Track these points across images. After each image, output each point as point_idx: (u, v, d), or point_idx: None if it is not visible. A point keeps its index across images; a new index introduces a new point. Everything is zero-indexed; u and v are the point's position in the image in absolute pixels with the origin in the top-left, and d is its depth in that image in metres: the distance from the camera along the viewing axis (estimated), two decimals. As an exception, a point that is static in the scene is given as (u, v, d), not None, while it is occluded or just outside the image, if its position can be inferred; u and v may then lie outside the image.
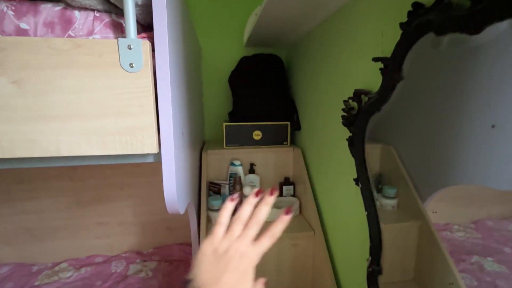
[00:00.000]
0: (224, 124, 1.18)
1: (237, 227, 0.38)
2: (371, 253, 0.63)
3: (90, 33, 0.48)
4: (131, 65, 0.46)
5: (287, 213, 0.40)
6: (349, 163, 0.76)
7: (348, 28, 0.76)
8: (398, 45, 0.52)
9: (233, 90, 1.31)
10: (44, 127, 0.46)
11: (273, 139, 1.21)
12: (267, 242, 0.38)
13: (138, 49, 0.46)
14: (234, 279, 0.34)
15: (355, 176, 0.71)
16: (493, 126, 0.50)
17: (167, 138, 0.50)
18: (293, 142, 1.29)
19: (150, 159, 0.54)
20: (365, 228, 0.70)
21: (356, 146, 0.69)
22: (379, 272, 0.62)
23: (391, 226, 0.66)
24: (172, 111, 0.50)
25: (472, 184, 0.52)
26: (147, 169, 1.42)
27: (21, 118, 0.45)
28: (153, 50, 0.49)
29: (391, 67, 0.54)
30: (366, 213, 0.65)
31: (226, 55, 1.39)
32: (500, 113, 0.48)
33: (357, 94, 0.66)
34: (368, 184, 0.65)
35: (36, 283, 1.24)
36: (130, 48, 0.46)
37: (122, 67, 0.46)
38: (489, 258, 0.53)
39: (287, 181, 1.21)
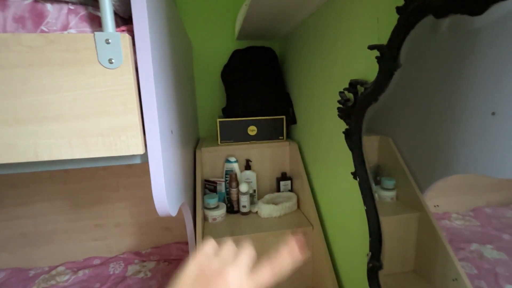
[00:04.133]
0: (218, 120, 1.15)
1: (229, 249, 0.33)
2: (371, 248, 0.62)
3: (65, 27, 0.45)
4: (110, 61, 0.43)
5: (298, 243, 0.33)
6: (346, 156, 0.74)
7: (342, 16, 0.73)
8: (395, 31, 0.49)
9: (226, 85, 1.27)
10: (20, 131, 0.43)
11: (269, 134, 1.19)
12: (266, 277, 0.31)
13: (117, 43, 0.43)
14: None
15: (353, 169, 0.69)
16: (493, 114, 0.48)
17: (153, 137, 0.47)
18: (289, 137, 1.27)
19: (137, 160, 0.51)
20: (364, 222, 0.68)
21: (353, 138, 0.66)
22: (380, 267, 0.61)
23: (391, 218, 0.65)
24: (157, 109, 0.47)
25: (470, 173, 0.51)
26: (141, 169, 1.40)
27: (-7, 122, 0.42)
28: (134, 44, 0.46)
29: (388, 55, 0.51)
30: (365, 208, 0.63)
31: (218, 49, 1.35)
32: (501, 100, 0.47)
33: (353, 85, 0.64)
34: (366, 178, 0.63)
35: (35, 287, 1.22)
36: (108, 43, 0.43)
37: (100, 63, 0.43)
38: (488, 246, 0.53)
39: (284, 176, 1.19)
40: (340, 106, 0.71)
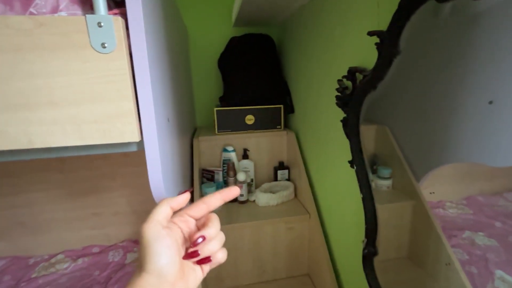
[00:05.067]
0: (215, 109, 1.14)
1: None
2: (366, 235, 0.63)
3: (55, 10, 0.43)
4: (103, 45, 0.42)
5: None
6: (344, 145, 0.74)
7: (342, 1, 0.71)
8: (395, 16, 0.48)
9: (223, 73, 1.25)
10: (11, 117, 0.42)
11: (266, 123, 1.18)
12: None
13: (109, 26, 0.41)
14: None
15: (350, 158, 0.69)
16: (490, 102, 0.48)
17: (149, 125, 0.47)
18: (287, 126, 1.26)
19: (133, 148, 0.50)
20: (360, 210, 0.69)
21: (351, 127, 0.66)
22: (375, 253, 0.62)
23: (386, 206, 0.65)
24: (153, 95, 0.46)
25: (466, 162, 0.51)
26: (138, 158, 1.39)
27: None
28: (127, 28, 0.44)
29: (388, 41, 0.50)
30: (362, 196, 0.63)
31: (214, 36, 1.32)
32: (499, 89, 0.47)
33: (352, 72, 0.63)
34: (363, 166, 0.64)
35: (34, 275, 1.23)
36: (100, 26, 0.41)
37: (93, 47, 0.42)
38: (480, 233, 0.54)
39: (281, 166, 1.19)
40: (338, 94, 0.70)
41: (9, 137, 0.42)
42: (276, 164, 1.21)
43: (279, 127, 1.19)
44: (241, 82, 1.19)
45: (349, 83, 0.66)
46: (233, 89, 1.20)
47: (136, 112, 0.46)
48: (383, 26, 0.52)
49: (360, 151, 0.64)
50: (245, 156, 1.15)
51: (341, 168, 0.79)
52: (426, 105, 0.54)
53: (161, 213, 0.34)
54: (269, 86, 1.19)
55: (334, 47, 0.77)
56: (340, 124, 0.73)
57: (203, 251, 0.33)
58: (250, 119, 1.16)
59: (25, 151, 0.46)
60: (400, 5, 0.46)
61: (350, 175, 0.73)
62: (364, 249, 0.64)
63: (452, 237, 0.55)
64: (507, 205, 0.51)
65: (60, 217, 1.40)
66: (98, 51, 0.42)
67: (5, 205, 1.35)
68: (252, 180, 1.15)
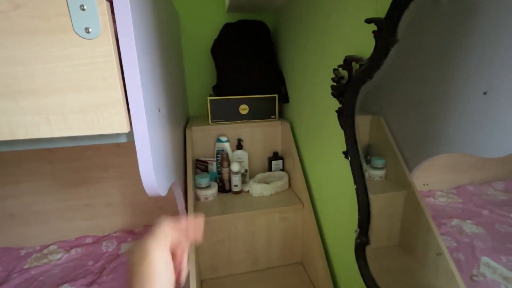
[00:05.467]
0: (209, 98, 1.11)
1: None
2: (359, 225, 0.63)
3: (33, -10, 0.40)
4: (87, 30, 0.39)
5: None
6: (339, 135, 0.73)
7: (339, -13, 0.69)
8: (394, 2, 0.46)
9: (216, 61, 1.22)
10: (-8, 107, 0.40)
11: (261, 113, 1.17)
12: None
13: (93, 10, 0.39)
14: None
15: (344, 148, 0.69)
16: (484, 93, 0.48)
17: (138, 115, 0.45)
18: (282, 116, 1.25)
19: (123, 139, 0.49)
20: (353, 200, 0.69)
21: (346, 118, 0.65)
22: (367, 243, 0.63)
23: (379, 196, 0.66)
24: (142, 84, 0.44)
25: (459, 152, 0.52)
26: (130, 148, 1.36)
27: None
28: (113, 12, 0.41)
29: (386, 29, 0.49)
30: (355, 187, 0.63)
31: (207, 22, 1.28)
32: (493, 79, 0.47)
33: (348, 61, 0.61)
34: (358, 157, 0.63)
35: (26, 266, 1.22)
36: (83, 9, 0.38)
37: (76, 32, 0.39)
38: (468, 221, 0.56)
39: (275, 156, 1.19)
40: (334, 84, 0.69)
41: (-12, 127, 0.40)
42: (271, 154, 1.21)
43: (274, 117, 1.18)
44: (235, 71, 1.16)
45: (345, 73, 0.65)
46: (226, 78, 1.17)
47: (125, 102, 0.44)
48: (381, 13, 0.50)
49: (355, 141, 0.64)
50: (239, 146, 1.14)
51: (335, 159, 0.79)
52: (420, 95, 0.54)
53: (172, 239, 0.33)
54: (264, 75, 1.17)
55: (330, 35, 0.75)
56: (335, 114, 0.72)
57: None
58: (244, 109, 1.14)
59: (7, 142, 0.44)
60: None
61: (344, 165, 0.73)
62: (356, 239, 0.64)
63: (442, 225, 0.57)
64: (495, 194, 0.52)
65: (51, 208, 1.38)
66: (81, 37, 0.39)
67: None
68: (246, 171, 1.15)
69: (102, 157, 1.37)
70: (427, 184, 0.58)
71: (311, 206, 0.95)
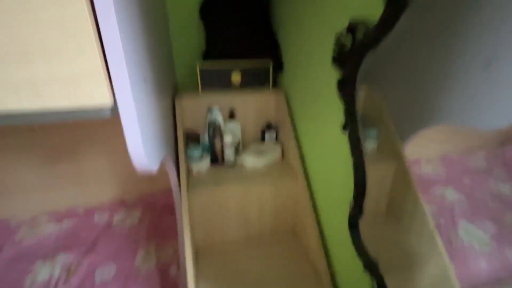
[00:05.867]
0: (198, 66, 1.04)
1: None
2: (354, 198, 0.64)
3: None
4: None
5: None
6: (337, 106, 0.70)
7: None
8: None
9: (205, 25, 1.12)
10: None
11: (254, 81, 1.11)
12: None
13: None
14: None
15: (342, 120, 0.67)
16: (487, 65, 0.46)
17: (122, 85, 0.40)
18: (276, 85, 1.19)
19: (107, 114, 0.44)
20: (347, 173, 0.69)
21: (346, 87, 0.62)
22: (360, 215, 0.64)
23: (370, 167, 0.66)
24: (124, 50, 0.39)
25: (454, 123, 0.52)
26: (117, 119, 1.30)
27: None
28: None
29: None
30: (352, 159, 0.62)
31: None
32: (496, 51, 0.45)
33: (351, 27, 0.56)
34: (356, 129, 0.61)
35: (18, 238, 1.22)
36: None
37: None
38: (450, 188, 0.59)
39: (269, 127, 1.16)
40: (335, 51, 0.64)
41: None
42: (264, 125, 1.18)
43: (267, 86, 1.13)
44: (226, 35, 1.08)
45: (348, 40, 0.60)
46: (217, 44, 1.09)
47: (106, 71, 0.39)
48: (394, -30, 0.44)
49: (354, 113, 0.61)
50: (231, 117, 1.10)
51: (331, 130, 0.77)
52: (419, 65, 0.52)
53: None
54: (257, 40, 1.09)
55: (332, -4, 0.68)
56: (333, 84, 0.69)
57: None
58: (236, 77, 1.08)
59: (-28, 117, 0.39)
60: None
61: (341, 137, 0.71)
62: (350, 212, 0.65)
63: (425, 192, 0.59)
64: (477, 163, 0.56)
65: (38, 180, 1.34)
66: (46, -10, 0.33)
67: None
68: (239, 142, 1.12)
69: (86, 129, 1.30)
70: (420, 161, 0.58)
71: (304, 178, 0.96)
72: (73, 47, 0.36)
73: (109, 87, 0.40)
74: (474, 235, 0.55)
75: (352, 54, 0.57)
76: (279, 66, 1.12)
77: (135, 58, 0.46)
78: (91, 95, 0.39)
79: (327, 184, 0.84)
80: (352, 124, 0.63)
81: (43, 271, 1.03)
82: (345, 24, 0.60)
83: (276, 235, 1.07)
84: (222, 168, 1.06)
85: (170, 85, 1.02)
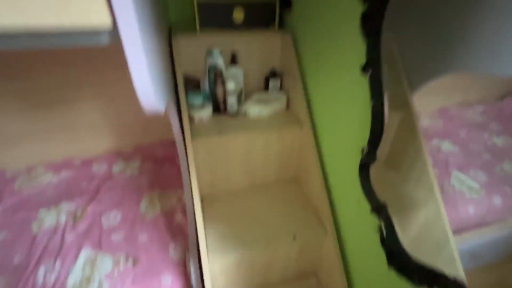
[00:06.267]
0: (196, 1, 0.91)
1: None
2: (369, 143, 0.62)
3: None
4: None
5: None
6: (356, 46, 0.64)
7: None
8: None
9: None
10: None
11: (258, 20, 0.99)
12: None
13: None
14: None
15: (361, 62, 0.61)
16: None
17: (123, 2, 0.33)
18: (282, 25, 1.08)
19: (104, 39, 0.37)
20: (361, 119, 0.66)
21: (373, 21, 0.55)
22: (373, 160, 0.63)
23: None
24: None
25: (467, 71, 0.50)
26: (103, 63, 1.18)
27: None
28: None
29: None
30: (372, 103, 0.59)
31: None
32: None
33: None
34: (379, 70, 0.57)
35: (17, 188, 1.20)
36: None
37: None
38: (446, 140, 0.62)
39: (273, 74, 1.09)
40: (363, -24, 0.55)
41: None
42: (268, 71, 1.10)
43: (273, 25, 1.02)
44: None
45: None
46: (216, -29, 0.94)
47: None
48: None
49: (379, 51, 0.56)
50: (233, 61, 1.01)
51: (346, 73, 0.71)
52: (436, 12, 0.49)
53: None
54: (262, -31, 0.95)
55: None
56: (352, 22, 0.61)
57: None
58: (238, 15, 0.96)
59: None
60: None
61: (357, 81, 0.67)
62: (363, 157, 0.64)
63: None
64: (474, 117, 0.58)
65: (27, 130, 1.26)
66: None
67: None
68: (241, 90, 1.06)
69: (73, 74, 1.19)
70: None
71: (310, 126, 0.93)
72: None
73: (107, 4, 0.32)
74: (466, 184, 0.57)
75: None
76: (286, 3, 1.00)
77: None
78: (85, 12, 0.32)
79: (335, 131, 0.82)
80: (375, 65, 0.57)
81: (49, 218, 1.03)
82: None
83: (280, 182, 1.09)
84: (224, 117, 1.01)
85: (165, 22, 0.91)
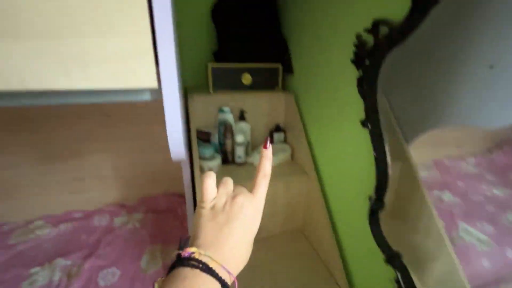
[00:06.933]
0: (210, 65, 1.05)
1: (230, 181, 0.36)
2: (376, 191, 0.65)
3: None
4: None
5: (265, 146, 0.36)
6: (354, 104, 0.73)
7: None
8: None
9: (217, 26, 1.14)
10: (17, 49, 0.33)
11: (264, 83, 1.13)
12: (262, 182, 0.35)
13: None
14: (239, 229, 0.31)
15: (360, 117, 0.69)
16: (491, 67, 0.49)
17: (169, 68, 0.40)
18: (285, 87, 1.22)
19: (147, 96, 0.44)
20: (364, 169, 0.71)
21: (368, 86, 0.64)
22: (382, 207, 0.65)
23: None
24: (173, 32, 0.39)
25: (458, 124, 0.57)
26: (117, 117, 1.27)
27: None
28: None
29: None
30: (375, 155, 0.64)
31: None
32: (499, 53, 0.48)
33: (375, 25, 0.59)
34: (379, 126, 0.63)
35: (12, 242, 1.15)
36: None
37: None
38: (446, 191, 0.62)
39: (278, 128, 1.18)
40: (355, 49, 0.67)
41: (10, 74, 0.34)
42: (273, 126, 1.19)
43: (277, 87, 1.15)
44: (237, 37, 1.10)
45: (369, 37, 0.63)
46: (229, 44, 1.11)
47: (153, 52, 0.39)
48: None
49: (376, 109, 0.63)
50: (241, 117, 1.11)
51: (347, 128, 0.79)
52: (425, 68, 0.55)
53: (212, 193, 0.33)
54: (268, 42, 1.12)
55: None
56: (350, 82, 0.71)
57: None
58: (247, 78, 1.10)
59: (16, 95, 0.38)
60: None
61: (357, 134, 0.73)
62: (372, 205, 0.66)
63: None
64: (468, 168, 0.60)
65: (34, 181, 1.28)
66: (107, -33, 0.33)
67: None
68: (248, 143, 1.13)
69: (88, 127, 1.27)
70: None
71: (315, 176, 0.97)
72: (129, 27, 0.36)
73: (156, 69, 0.40)
74: (475, 236, 0.57)
75: (376, 51, 0.60)
76: (288, 69, 1.15)
77: (175, 44, 0.47)
78: (138, 76, 0.39)
79: (340, 181, 0.86)
80: (374, 120, 0.65)
81: (41, 277, 0.97)
82: (363, 25, 0.63)
83: (287, 234, 1.07)
84: (232, 167, 1.05)
85: (181, 83, 1.03)
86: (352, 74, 0.71)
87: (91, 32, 0.35)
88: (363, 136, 0.70)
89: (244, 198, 0.32)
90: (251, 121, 1.14)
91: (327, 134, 0.91)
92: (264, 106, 1.15)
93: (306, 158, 1.01)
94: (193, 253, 0.27)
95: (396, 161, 0.64)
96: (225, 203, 0.32)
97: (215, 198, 0.33)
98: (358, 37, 0.66)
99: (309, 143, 1.02)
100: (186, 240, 0.30)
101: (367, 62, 0.64)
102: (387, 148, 0.63)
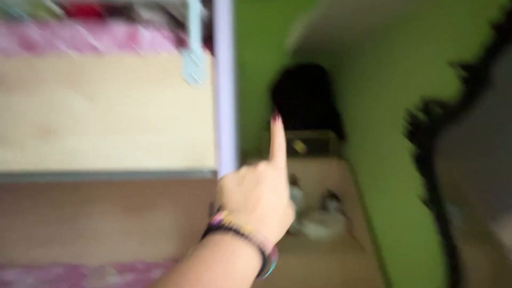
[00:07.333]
0: (265, 133, 1.15)
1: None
2: (451, 286, 0.55)
3: (155, 47, 0.48)
4: (194, 78, 0.46)
5: (274, 119, 0.37)
6: (413, 179, 0.68)
7: (416, 31, 0.69)
8: (487, 48, 0.45)
9: (273, 100, 1.29)
10: (113, 141, 0.46)
11: (316, 150, 1.16)
12: (279, 152, 0.35)
13: (201, 62, 0.45)
14: (268, 193, 0.29)
15: (420, 193, 0.64)
16: None
17: (227, 153, 0.48)
18: (338, 154, 1.22)
19: (208, 175, 0.52)
20: (433, 252, 0.61)
21: (424, 163, 0.61)
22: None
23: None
24: (232, 126, 0.48)
25: None
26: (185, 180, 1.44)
27: (93, 132, 0.46)
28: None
29: (476, 73, 0.47)
30: (442, 241, 0.57)
31: (264, 64, 1.37)
32: None
33: (427, 104, 0.59)
34: (441, 206, 0.58)
35: (86, 285, 1.29)
36: (194, 62, 0.45)
37: (186, 80, 0.46)
38: None
39: (332, 195, 1.14)
40: (409, 127, 0.66)
41: (109, 159, 0.46)
42: (325, 192, 1.16)
43: (329, 155, 1.16)
44: (290, 107, 1.21)
45: (420, 114, 0.63)
46: (281, 113, 1.22)
47: (215, 141, 0.48)
48: (466, 56, 0.49)
49: (435, 189, 0.59)
50: (294, 183, 1.13)
51: (410, 205, 0.72)
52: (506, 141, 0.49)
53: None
54: (319, 111, 1.19)
55: (405, 74, 0.74)
56: (407, 157, 0.69)
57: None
58: (299, 146, 1.15)
59: (116, 172, 0.50)
60: (495, 38, 0.43)
61: (421, 212, 0.67)
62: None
63: None
64: None
65: (110, 229, 1.48)
66: (189, 83, 0.46)
67: (64, 214, 1.47)
68: (301, 211, 1.11)
69: (164, 186, 1.46)
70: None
71: (373, 252, 0.87)
72: (199, 122, 0.46)
73: (216, 154, 0.49)
74: None
75: (429, 131, 0.59)
76: (340, 137, 1.17)
77: (233, 131, 0.56)
78: (199, 159, 0.48)
79: (406, 264, 0.75)
80: (435, 200, 0.59)
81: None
82: (411, 100, 0.64)
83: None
84: (284, 236, 1.03)
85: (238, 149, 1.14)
86: (406, 147, 0.69)
87: (173, 128, 0.47)
88: (425, 214, 0.64)
89: (265, 165, 0.31)
90: (303, 186, 1.15)
91: (387, 208, 0.85)
92: (317, 172, 1.16)
93: (362, 231, 0.93)
94: (222, 219, 0.26)
95: (476, 247, 0.54)
96: (247, 171, 0.31)
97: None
98: (410, 114, 0.66)
99: (366, 215, 0.96)
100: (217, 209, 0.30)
101: (421, 138, 0.63)
102: (457, 233, 0.55)
